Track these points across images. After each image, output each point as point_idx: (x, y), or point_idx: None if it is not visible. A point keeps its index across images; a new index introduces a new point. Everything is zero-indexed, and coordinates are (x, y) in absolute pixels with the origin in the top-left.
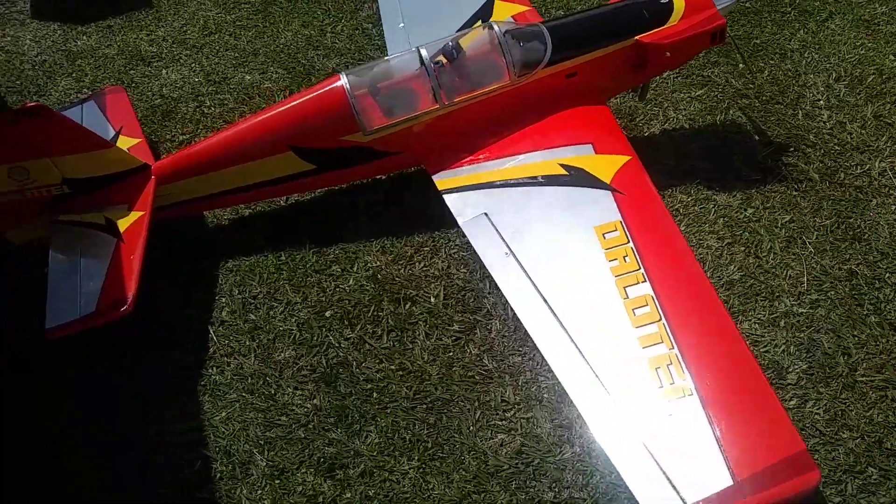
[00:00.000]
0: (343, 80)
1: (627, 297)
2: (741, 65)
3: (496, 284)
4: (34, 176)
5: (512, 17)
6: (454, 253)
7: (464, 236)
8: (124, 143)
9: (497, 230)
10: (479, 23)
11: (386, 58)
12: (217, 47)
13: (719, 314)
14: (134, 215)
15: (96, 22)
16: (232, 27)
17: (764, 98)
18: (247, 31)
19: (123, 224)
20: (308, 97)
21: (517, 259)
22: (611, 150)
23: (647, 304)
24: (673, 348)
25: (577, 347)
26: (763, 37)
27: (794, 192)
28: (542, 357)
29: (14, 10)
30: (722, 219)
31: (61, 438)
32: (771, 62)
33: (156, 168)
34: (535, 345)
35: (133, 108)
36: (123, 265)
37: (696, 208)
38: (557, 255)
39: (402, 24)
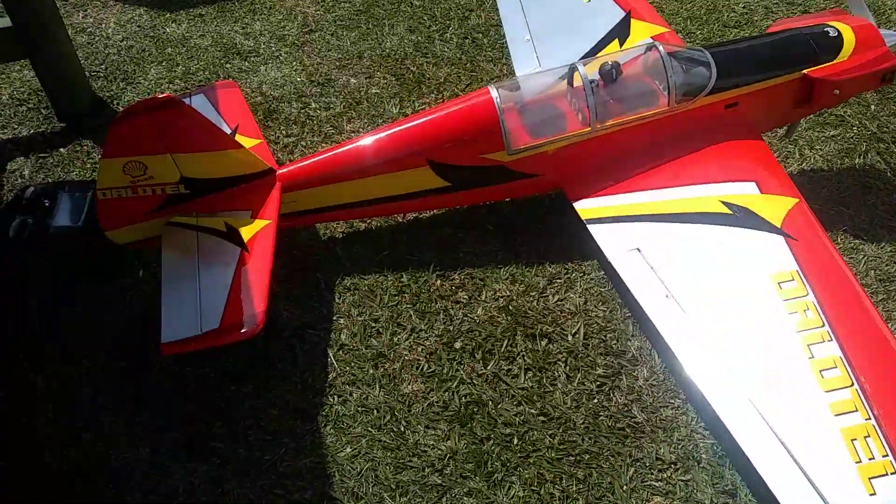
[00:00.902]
0: (493, 94)
1: (813, 357)
2: None
3: (641, 326)
4: (151, 172)
5: (651, 37)
6: (591, 288)
7: (599, 269)
8: (242, 143)
9: (653, 269)
10: (631, 41)
11: (535, 72)
12: (318, 46)
13: None
14: (259, 224)
15: (186, 10)
16: (333, 26)
17: None
18: (349, 31)
19: (247, 232)
20: (455, 109)
21: (679, 303)
22: (777, 190)
23: (835, 367)
24: (869, 418)
25: (756, 408)
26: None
27: None
28: (698, 412)
29: None
30: (873, 271)
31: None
32: None
33: (281, 175)
34: (688, 397)
35: (247, 105)
36: (250, 278)
37: (844, 257)
38: (728, 302)
39: (527, 38)
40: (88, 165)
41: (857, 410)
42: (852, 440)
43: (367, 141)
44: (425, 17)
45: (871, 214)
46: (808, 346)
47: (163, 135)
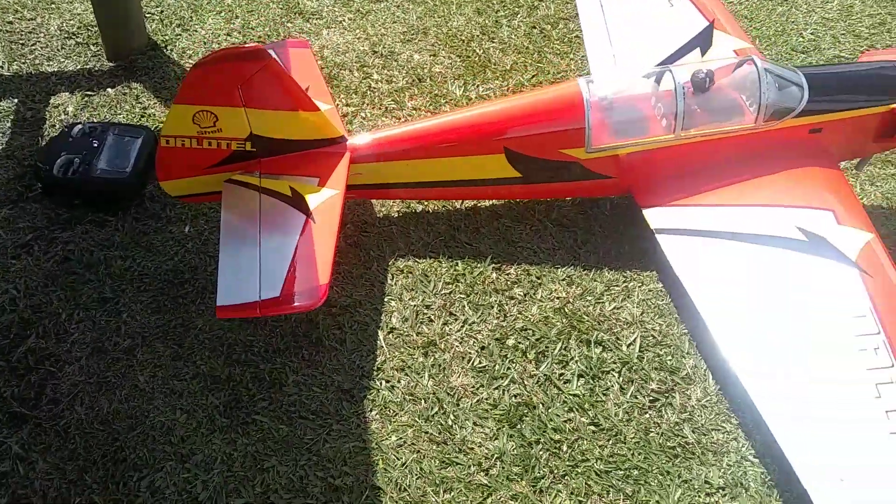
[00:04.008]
0: (583, 89)
1: (880, 397)
2: None
3: (698, 345)
4: (221, 125)
5: (734, 50)
6: (649, 300)
7: (658, 281)
8: None
9: (721, 288)
10: (712, 52)
11: (623, 71)
12: (383, 17)
13: None
14: (326, 192)
15: None
16: None
17: None
18: (416, 5)
19: (313, 200)
20: (540, 98)
21: (746, 325)
22: (854, 223)
23: None
24: None
25: (819, 444)
26: None
27: None
28: (749, 438)
29: None
30: None
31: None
32: None
33: (351, 145)
34: (741, 422)
35: (319, 67)
36: (315, 248)
37: None
38: (797, 330)
39: (605, 36)
40: (137, 110)
41: None
42: None
43: (443, 119)
44: (494, 2)
45: None
46: (877, 384)
47: (242, 87)
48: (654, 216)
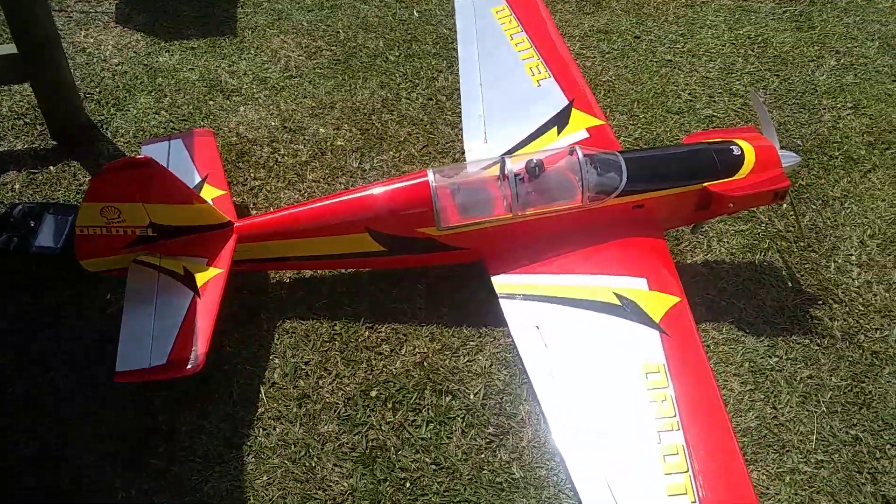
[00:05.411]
0: (430, 178)
1: (661, 443)
2: (796, 233)
3: (533, 393)
4: (124, 217)
5: (586, 128)
6: (498, 353)
7: (507, 337)
8: (209, 192)
9: (546, 346)
10: (561, 142)
11: (470, 162)
12: (296, 93)
13: (743, 479)
14: (212, 272)
15: (180, 41)
16: (312, 74)
17: (801, 244)
18: (326, 80)
19: (201, 278)
20: (394, 188)
21: (560, 379)
22: (664, 288)
23: (678, 454)
24: (695, 502)
25: (606, 479)
26: (808, 178)
27: (816, 347)
28: (567, 475)
29: (99, 11)
30: (748, 363)
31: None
32: (812, 207)
33: (238, 228)
34: (561, 461)
35: (220, 155)
36: (197, 321)
37: (725, 347)
38: (601, 384)
39: (479, 114)
40: (73, 187)
41: (686, 493)
42: None
43: (315, 206)
44: (397, 75)
45: (759, 309)
46: (659, 432)
47: (138, 187)
48: (500, 282)
